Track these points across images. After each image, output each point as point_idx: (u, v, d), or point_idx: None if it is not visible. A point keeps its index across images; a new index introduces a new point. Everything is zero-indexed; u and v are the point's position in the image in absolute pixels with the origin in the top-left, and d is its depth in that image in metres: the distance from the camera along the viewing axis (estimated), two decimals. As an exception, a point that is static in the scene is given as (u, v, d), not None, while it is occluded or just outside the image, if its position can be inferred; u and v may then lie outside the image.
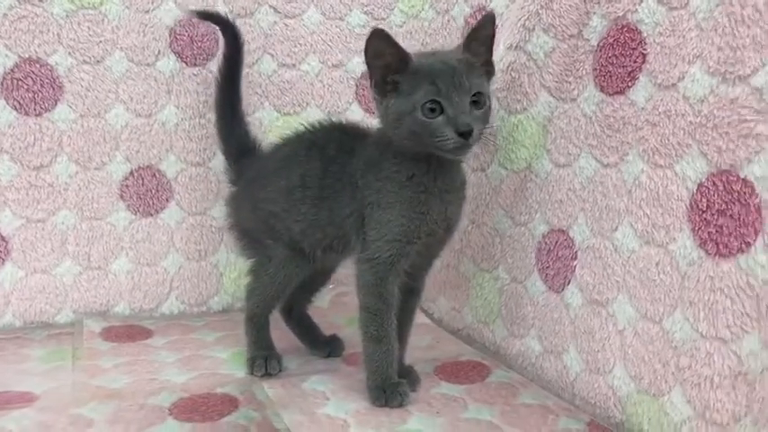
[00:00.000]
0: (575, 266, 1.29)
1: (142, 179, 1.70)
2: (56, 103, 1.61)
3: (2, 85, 1.56)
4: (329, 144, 1.32)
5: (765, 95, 0.93)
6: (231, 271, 1.80)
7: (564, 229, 1.32)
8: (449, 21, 1.66)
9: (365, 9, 1.84)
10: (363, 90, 1.87)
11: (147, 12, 1.66)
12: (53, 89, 1.60)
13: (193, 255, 1.77)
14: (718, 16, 1.00)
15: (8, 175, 1.59)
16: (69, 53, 1.61)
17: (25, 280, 1.63)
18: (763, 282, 0.94)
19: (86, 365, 1.41)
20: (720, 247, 1.00)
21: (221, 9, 1.70)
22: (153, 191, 1.72)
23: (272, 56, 1.78)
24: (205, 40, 1.71)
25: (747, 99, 0.96)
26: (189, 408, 1.21)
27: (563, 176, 1.32)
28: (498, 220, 1.49)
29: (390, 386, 1.23)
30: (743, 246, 0.97)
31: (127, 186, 1.69)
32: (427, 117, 1.11)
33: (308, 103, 1.83)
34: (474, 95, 1.13)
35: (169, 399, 1.24)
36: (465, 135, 1.10)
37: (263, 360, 1.37)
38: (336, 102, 1.85)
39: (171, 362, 1.45)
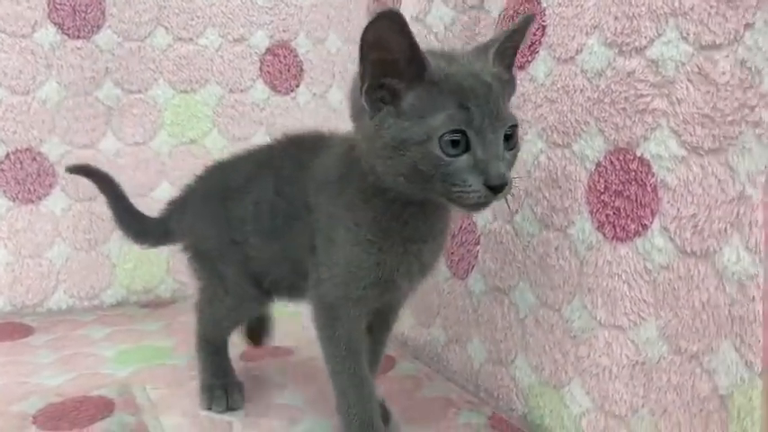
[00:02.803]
0: (477, 252, 1.22)
1: (21, 163, 1.56)
2: None
3: None
4: (285, 163, 1.06)
5: (661, 68, 0.88)
6: (125, 261, 1.68)
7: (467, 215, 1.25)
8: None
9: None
10: (269, 67, 1.76)
11: (21, -23, 1.51)
12: None
13: (82, 245, 1.64)
14: (613, -16, 0.94)
15: None
16: (-70, 22, 1.45)
17: None
18: (660, 266, 0.89)
19: (-51, 369, 1.27)
20: (618, 230, 0.95)
21: (107, -24, 1.57)
22: (33, 176, 1.57)
23: (167, 28, 1.65)
24: (89, 10, 1.57)
25: (644, 72, 0.90)
26: (57, 414, 1.09)
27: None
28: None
29: None
30: (640, 228, 0.92)
31: (3, 171, 1.55)
32: (446, 154, 0.80)
33: (207, 80, 1.71)
34: (509, 128, 0.83)
35: (36, 405, 1.12)
36: (497, 190, 0.80)
37: (223, 391, 1.14)
38: (239, 79, 1.73)
39: (48, 362, 1.32)
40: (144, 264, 1.69)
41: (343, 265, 0.94)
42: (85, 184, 1.61)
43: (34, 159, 1.57)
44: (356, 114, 0.88)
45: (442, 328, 1.32)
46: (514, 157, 0.86)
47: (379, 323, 1.07)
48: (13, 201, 1.56)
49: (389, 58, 0.80)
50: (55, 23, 1.54)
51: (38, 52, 1.54)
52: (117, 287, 1.68)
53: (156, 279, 1.71)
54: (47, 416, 1.09)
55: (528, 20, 0.89)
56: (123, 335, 1.49)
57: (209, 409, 1.13)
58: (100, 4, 1.57)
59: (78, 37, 1.57)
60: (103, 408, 1.12)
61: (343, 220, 0.93)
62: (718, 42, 0.81)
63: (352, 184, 0.92)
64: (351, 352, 0.97)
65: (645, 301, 0.91)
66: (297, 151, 1.06)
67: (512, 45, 0.89)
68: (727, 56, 0.80)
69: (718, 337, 0.82)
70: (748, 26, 0.78)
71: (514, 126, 0.84)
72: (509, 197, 0.86)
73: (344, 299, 0.95)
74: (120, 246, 1.67)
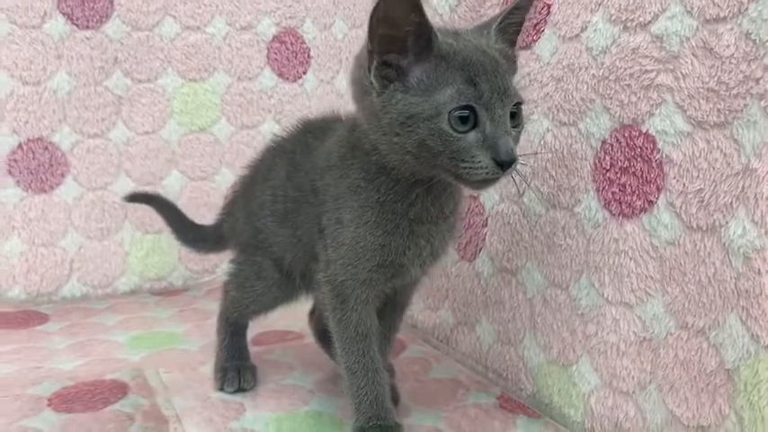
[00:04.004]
0: (485, 234, 1.22)
1: (33, 153, 1.58)
2: (-72, 70, 1.47)
3: None
4: (297, 148, 1.07)
5: (665, 43, 0.87)
6: (138, 250, 1.69)
7: (475, 195, 1.25)
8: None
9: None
10: (276, 54, 1.76)
11: (30, -31, 1.52)
12: (-76, 55, 1.46)
13: (95, 233, 1.65)
14: (618, -41, 0.94)
15: None
16: (-59, 15, 1.47)
17: None
18: (666, 242, 0.89)
19: (-35, 355, 1.29)
20: (624, 206, 0.95)
21: (114, -34, 1.58)
22: (46, 165, 1.59)
23: (175, 17, 1.66)
24: (98, 0, 1.58)
25: (648, 48, 0.90)
26: (71, 397, 1.11)
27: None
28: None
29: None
30: (646, 204, 0.92)
31: (15, 161, 1.56)
32: (455, 130, 0.80)
33: (215, 69, 1.72)
34: (515, 106, 0.84)
35: (51, 388, 1.14)
36: (505, 166, 0.80)
37: (236, 372, 1.15)
38: (247, 67, 1.74)
39: (62, 348, 1.34)
40: (156, 252, 1.71)
41: (349, 246, 0.93)
42: (96, 172, 1.64)
43: (46, 149, 1.58)
44: (359, 94, 0.87)
45: (451, 311, 1.32)
46: (519, 134, 0.87)
47: (392, 307, 1.07)
48: (26, 190, 1.58)
49: (398, 34, 0.80)
50: (64, 14, 1.56)
51: (48, 43, 1.55)
52: (130, 275, 1.69)
53: (169, 267, 1.73)
54: (61, 398, 1.11)
55: None
56: (136, 322, 1.50)
57: (222, 389, 1.14)
58: (108, -7, 1.59)
59: (87, 27, 1.58)
60: (117, 391, 1.14)
61: (349, 201, 0.92)
62: (722, 15, 0.81)
63: (355, 165, 0.92)
64: (360, 334, 0.97)
65: (651, 277, 0.91)
66: (305, 136, 1.07)
67: (514, 21, 0.89)
68: (732, 29, 0.80)
69: (725, 311, 0.81)
70: (753, -2, 0.77)
71: (520, 103, 0.85)
72: (517, 178, 0.88)
73: (352, 280, 0.95)
74: (132, 234, 1.68)
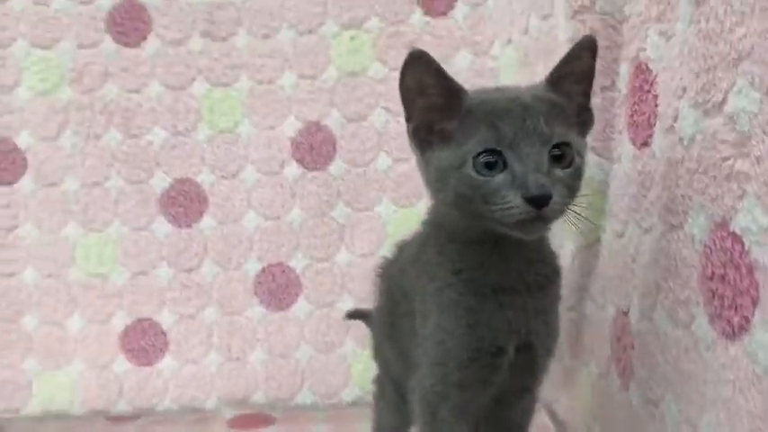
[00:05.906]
0: (632, 356, 1.06)
1: (273, 276, 1.86)
2: (201, 215, 1.88)
3: (160, 202, 1.88)
4: (388, 263, 1.13)
5: (737, 124, 0.72)
6: (358, 363, 1.84)
7: (625, 311, 1.11)
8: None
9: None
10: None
11: (273, 128, 1.87)
12: (199, 203, 1.88)
13: (322, 347, 1.85)
14: (690, 37, 0.81)
15: (166, 277, 1.87)
16: (212, 171, 1.88)
17: (180, 370, 1.86)
18: (765, 371, 0.68)
19: (193, 448, 1.55)
20: (725, 324, 0.76)
21: (335, 115, 1.85)
22: (283, 286, 1.86)
23: (387, 152, 1.85)
24: (323, 146, 1.86)
25: (723, 130, 0.74)
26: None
27: (618, 248, 1.12)
28: (584, 303, 1.30)
29: None
30: (743, 322, 0.72)
31: (259, 283, 1.87)
32: (481, 174, 0.79)
33: (422, 194, 1.83)
34: (556, 147, 0.81)
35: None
36: (536, 202, 0.76)
37: None
38: (453, 189, 1.83)
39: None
40: (374, 367, 1.82)
41: (434, 339, 0.88)
42: (324, 292, 1.86)
43: (283, 272, 1.86)
44: (417, 161, 0.92)
45: (616, 447, 1.15)
46: (573, 177, 0.82)
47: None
48: (267, 308, 1.86)
49: (430, 102, 0.84)
50: (297, 160, 1.86)
51: (285, 185, 1.86)
52: (352, 387, 1.83)
53: (386, 381, 1.82)
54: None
55: (583, 43, 0.86)
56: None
57: None
58: (331, 138, 1.85)
59: (315, 169, 1.86)
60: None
61: (429, 286, 0.91)
62: (781, 82, 0.65)
63: (429, 243, 0.94)
64: None
65: (760, 417, 0.70)
66: (395, 252, 1.13)
67: (570, 72, 0.86)
68: (793, 96, 0.63)
69: (823, 470, 0.59)
70: (807, 55, 0.61)
71: (564, 144, 0.81)
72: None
73: (442, 384, 0.89)
74: (353, 348, 1.84)
